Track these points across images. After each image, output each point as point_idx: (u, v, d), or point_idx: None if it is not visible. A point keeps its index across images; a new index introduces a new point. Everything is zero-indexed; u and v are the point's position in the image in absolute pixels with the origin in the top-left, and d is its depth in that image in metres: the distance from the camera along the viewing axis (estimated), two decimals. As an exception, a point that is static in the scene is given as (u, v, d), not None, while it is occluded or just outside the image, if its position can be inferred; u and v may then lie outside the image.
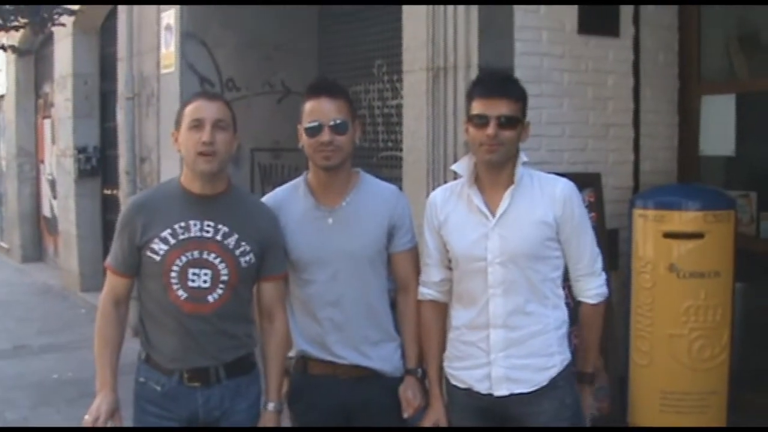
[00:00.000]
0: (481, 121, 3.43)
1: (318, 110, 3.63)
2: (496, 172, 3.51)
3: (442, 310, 3.73)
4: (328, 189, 3.73)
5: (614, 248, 5.79)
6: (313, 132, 3.62)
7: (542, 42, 5.67)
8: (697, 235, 5.37)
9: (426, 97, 5.65)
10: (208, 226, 3.57)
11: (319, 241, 3.70)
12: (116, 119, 10.71)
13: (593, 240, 3.59)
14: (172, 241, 3.54)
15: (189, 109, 3.57)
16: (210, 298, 3.55)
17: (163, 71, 9.03)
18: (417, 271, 3.77)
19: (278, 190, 3.90)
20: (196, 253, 3.54)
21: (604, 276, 3.64)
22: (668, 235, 5.38)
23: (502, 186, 3.50)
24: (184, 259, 3.53)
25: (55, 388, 8.03)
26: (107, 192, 12.29)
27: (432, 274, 3.70)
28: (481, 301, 3.52)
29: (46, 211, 15.45)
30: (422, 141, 5.67)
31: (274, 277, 3.73)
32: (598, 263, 3.61)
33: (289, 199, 3.79)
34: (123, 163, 10.15)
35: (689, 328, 5.35)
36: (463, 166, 3.60)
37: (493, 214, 3.48)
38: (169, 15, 8.86)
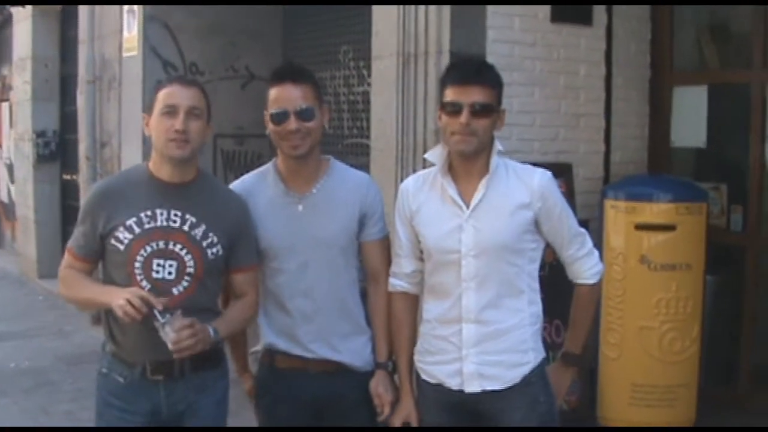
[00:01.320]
0: (453, 108, 3.30)
1: (283, 97, 3.52)
2: (470, 162, 3.39)
3: (413, 302, 3.62)
4: (298, 176, 3.64)
5: (585, 239, 5.73)
6: (279, 119, 3.52)
7: (514, 29, 5.60)
8: (668, 227, 5.34)
9: (396, 84, 5.56)
10: (176, 215, 3.47)
11: (289, 229, 3.61)
12: (76, 103, 10.52)
13: (575, 222, 3.50)
14: (137, 230, 3.44)
15: (163, 94, 3.46)
16: (175, 291, 3.44)
17: (126, 54, 8.86)
18: (388, 261, 3.68)
19: (246, 176, 3.80)
20: (161, 244, 3.44)
21: (596, 253, 3.55)
22: (640, 227, 5.34)
23: (476, 176, 3.39)
24: (149, 249, 3.43)
25: (11, 378, 7.84)
26: (66, 177, 12.08)
27: (403, 265, 3.59)
28: (453, 295, 3.41)
29: (3, 196, 15.16)
30: (391, 128, 5.59)
31: (244, 269, 3.63)
32: (588, 242, 3.52)
33: (257, 186, 3.70)
34: (83, 148, 9.98)
35: (660, 321, 5.32)
36: (436, 154, 3.49)
37: (467, 205, 3.37)
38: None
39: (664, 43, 6.25)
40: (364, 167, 5.74)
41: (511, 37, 5.56)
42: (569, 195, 5.63)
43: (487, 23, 5.45)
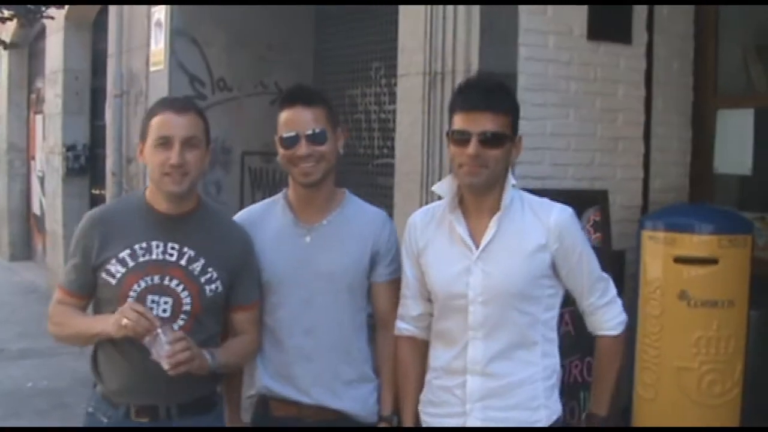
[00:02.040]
0: (461, 137, 3.03)
1: (293, 120, 3.32)
2: (480, 197, 3.11)
3: (421, 347, 3.31)
4: (309, 205, 3.42)
5: (620, 271, 5.40)
6: (289, 143, 3.31)
7: (548, 47, 5.29)
8: (710, 261, 4.99)
9: (422, 103, 5.27)
10: (172, 248, 3.23)
11: (293, 260, 3.38)
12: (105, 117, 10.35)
13: (598, 266, 3.19)
14: (131, 263, 3.20)
15: (155, 123, 3.21)
16: None
17: (152, 69, 8.71)
18: (398, 305, 3.41)
19: (254, 205, 3.61)
20: (156, 278, 3.20)
21: (620, 301, 3.24)
22: (679, 260, 4.99)
23: (488, 212, 3.11)
24: (143, 283, 3.19)
25: (27, 398, 7.74)
26: (95, 192, 11.97)
27: (410, 307, 3.31)
28: (459, 343, 3.12)
29: (35, 209, 15.17)
30: (416, 150, 5.31)
31: (245, 307, 3.38)
32: (611, 289, 3.22)
33: (264, 215, 3.49)
34: (109, 164, 9.83)
35: (699, 361, 4.96)
36: (444, 187, 3.20)
37: (477, 245, 3.09)
38: (160, 11, 8.54)
39: (708, 63, 5.93)
40: (393, 188, 5.60)
41: (545, 55, 5.25)
42: (604, 224, 5.34)
43: (520, 40, 5.16)
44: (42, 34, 13.52)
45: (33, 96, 15.41)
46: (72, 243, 3.32)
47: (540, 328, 3.10)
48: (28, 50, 15.39)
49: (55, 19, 11.22)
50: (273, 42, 8.63)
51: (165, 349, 2.95)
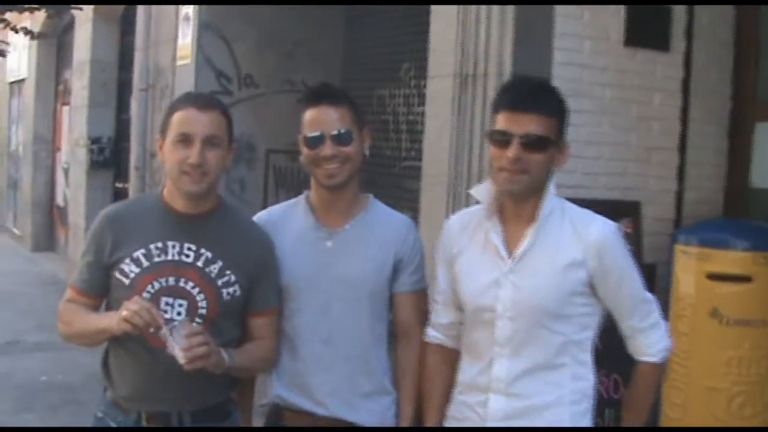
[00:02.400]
0: (502, 138, 2.83)
1: (319, 119, 3.19)
2: (519, 204, 2.92)
3: (451, 356, 3.13)
4: (332, 209, 3.28)
5: (651, 285, 5.21)
6: (313, 143, 3.17)
7: (584, 52, 5.14)
8: (744, 278, 4.84)
9: (451, 105, 5.13)
10: (189, 249, 3.10)
11: (313, 265, 3.24)
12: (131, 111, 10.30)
13: (641, 286, 2.98)
14: (146, 263, 3.07)
15: (177, 119, 3.08)
16: None
17: (179, 63, 8.64)
18: (422, 317, 3.25)
19: (274, 207, 3.47)
20: (171, 280, 3.07)
21: (664, 324, 3.03)
22: (712, 276, 4.84)
23: (526, 221, 2.92)
24: (157, 285, 3.05)
25: (40, 392, 7.66)
26: (119, 185, 11.89)
27: (440, 314, 3.14)
28: (485, 359, 2.94)
29: (59, 200, 15.14)
30: (444, 153, 5.17)
31: (264, 312, 3.23)
32: (654, 311, 3.00)
33: (285, 217, 3.35)
34: (133, 158, 9.75)
35: (730, 382, 4.80)
36: (483, 191, 3.01)
37: (511, 256, 2.91)
38: (187, 5, 8.43)
39: (747, 72, 5.74)
40: (419, 192, 5.48)
41: (579, 61, 5.10)
42: (636, 236, 5.19)
43: (555, 44, 5.01)
44: (71, 25, 13.49)
45: (60, 87, 15.39)
46: (86, 240, 3.20)
47: (571, 348, 2.90)
48: (57, 41, 15.36)
49: (84, 10, 11.15)
50: (301, 40, 8.53)
51: (182, 343, 2.82)
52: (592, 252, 2.86)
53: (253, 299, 3.18)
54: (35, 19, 12.57)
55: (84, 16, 11.96)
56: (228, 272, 3.10)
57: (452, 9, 5.16)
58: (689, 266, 4.89)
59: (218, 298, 3.08)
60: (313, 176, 3.24)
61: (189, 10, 8.38)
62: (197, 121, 3.04)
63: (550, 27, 5.00)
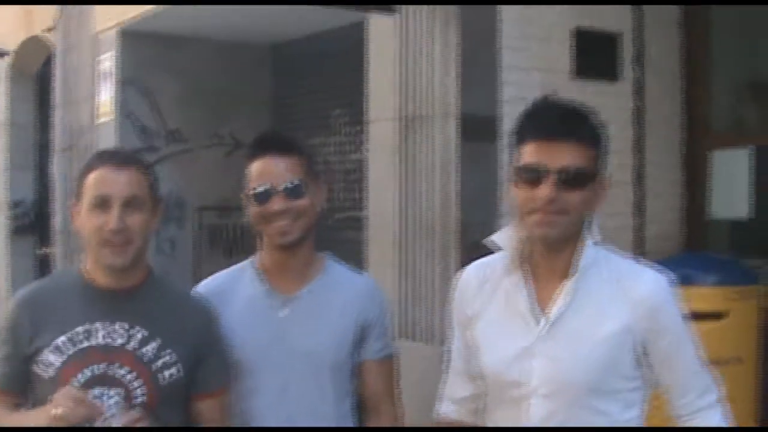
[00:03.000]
0: (532, 176, 2.32)
1: (267, 171, 2.84)
2: (554, 253, 2.40)
3: None
4: (285, 272, 2.92)
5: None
6: (262, 198, 2.81)
7: (533, 86, 4.92)
8: (715, 315, 4.59)
9: (394, 151, 4.86)
10: (120, 328, 2.70)
11: (267, 339, 2.87)
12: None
13: (698, 356, 2.47)
14: (70, 350, 2.66)
15: (91, 180, 2.69)
16: None
17: (101, 120, 8.25)
18: (391, 387, 2.93)
19: (218, 274, 3.08)
20: (101, 367, 2.66)
21: (720, 408, 2.48)
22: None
23: (560, 275, 2.41)
24: (87, 373, 2.65)
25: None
26: (43, 251, 11.42)
27: (455, 386, 2.65)
28: None
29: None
30: (390, 203, 4.88)
31: (210, 395, 2.84)
32: (713, 388, 2.47)
33: (231, 285, 2.98)
34: (58, 221, 9.29)
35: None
36: (504, 238, 2.51)
37: (544, 319, 2.42)
38: (107, 59, 8.10)
39: (700, 101, 5.62)
40: (360, 243, 5.24)
41: (530, 95, 4.78)
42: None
43: (502, 78, 4.77)
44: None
45: (-24, 151, 14.89)
46: (1, 330, 2.79)
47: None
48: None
49: (-2, 69, 10.79)
50: (228, 91, 8.24)
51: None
52: (641, 312, 2.36)
53: (198, 379, 2.79)
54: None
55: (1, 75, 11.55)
56: (168, 351, 2.72)
57: (390, 46, 4.93)
58: (657, 306, 4.65)
59: (156, 383, 2.70)
60: (264, 235, 2.90)
61: (108, 64, 8.04)
62: (114, 182, 2.67)
63: (497, 61, 4.79)
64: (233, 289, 2.96)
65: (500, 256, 2.53)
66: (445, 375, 2.67)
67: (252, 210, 2.85)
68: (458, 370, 2.61)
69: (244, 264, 3.00)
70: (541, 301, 2.42)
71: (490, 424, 2.53)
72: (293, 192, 2.82)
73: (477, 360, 2.51)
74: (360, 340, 2.89)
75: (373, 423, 2.94)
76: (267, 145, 2.92)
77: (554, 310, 2.38)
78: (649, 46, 5.39)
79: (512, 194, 2.39)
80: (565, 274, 2.39)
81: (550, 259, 2.40)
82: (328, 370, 2.86)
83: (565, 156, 2.30)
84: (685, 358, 2.42)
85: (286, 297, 2.90)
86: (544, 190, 2.29)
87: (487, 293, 2.51)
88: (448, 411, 2.67)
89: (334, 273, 2.96)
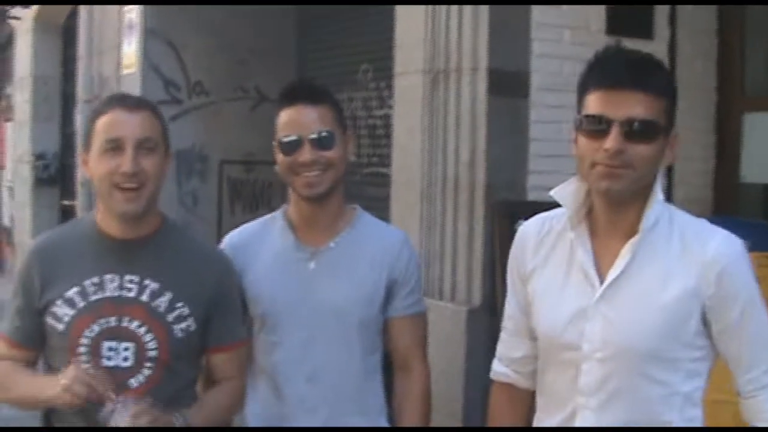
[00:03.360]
0: (597, 126, 2.21)
1: (296, 121, 2.80)
2: (618, 210, 2.29)
3: (523, 399, 2.55)
4: (314, 225, 2.88)
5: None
6: (290, 148, 2.79)
7: (563, 43, 4.78)
8: (748, 282, 4.47)
9: (422, 105, 4.75)
10: (131, 282, 2.65)
11: (294, 291, 2.84)
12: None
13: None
14: (81, 303, 2.62)
15: (102, 124, 2.62)
16: (133, 382, 2.62)
17: (124, 72, 8.21)
18: (421, 344, 2.88)
19: (247, 225, 3.05)
20: (112, 320, 2.62)
21: None
22: (713, 280, 4.47)
23: (624, 234, 2.30)
24: (96, 328, 2.61)
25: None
26: (66, 203, 11.45)
27: (510, 345, 2.55)
28: (565, 410, 2.35)
29: (5, 220, 14.60)
30: (416, 158, 4.79)
31: (226, 347, 2.80)
32: None
33: (260, 235, 2.96)
34: (80, 173, 9.28)
35: (736, 394, 4.45)
36: (567, 192, 2.39)
37: (602, 280, 2.30)
38: (132, 11, 8.06)
39: (733, 62, 5.43)
40: (385, 200, 5.10)
41: (560, 52, 4.73)
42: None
43: (532, 35, 4.65)
44: (10, 38, 13.07)
45: (2, 103, 14.90)
46: (14, 282, 2.75)
47: (677, 402, 2.30)
48: (-2, 55, 14.87)
49: (23, 21, 10.74)
50: (253, 45, 8.16)
51: (125, 422, 2.41)
52: (709, 276, 2.24)
53: (212, 333, 2.75)
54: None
55: (24, 28, 11.56)
56: (180, 305, 2.67)
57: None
58: (687, 271, 4.55)
59: (170, 336, 2.65)
60: (291, 187, 2.85)
61: (133, 15, 7.98)
62: (127, 124, 2.60)
63: (527, 17, 4.66)
64: (262, 240, 2.93)
65: (561, 211, 2.43)
66: (502, 335, 2.58)
67: (280, 160, 2.81)
68: (516, 329, 2.52)
69: (276, 214, 2.97)
70: (602, 261, 2.32)
71: (541, 385, 2.45)
72: (322, 142, 2.77)
73: (532, 319, 2.42)
74: (389, 295, 2.83)
75: (401, 380, 2.89)
76: (296, 94, 2.86)
77: (613, 271, 2.28)
78: (683, 6, 5.24)
79: (576, 146, 2.30)
80: (629, 233, 2.28)
81: (614, 216, 2.30)
82: (355, 325, 2.82)
83: (632, 106, 2.19)
84: (754, 329, 2.27)
85: (314, 249, 2.85)
86: (609, 142, 2.18)
87: (547, 249, 2.42)
88: (502, 371, 2.57)
89: (364, 226, 2.91)
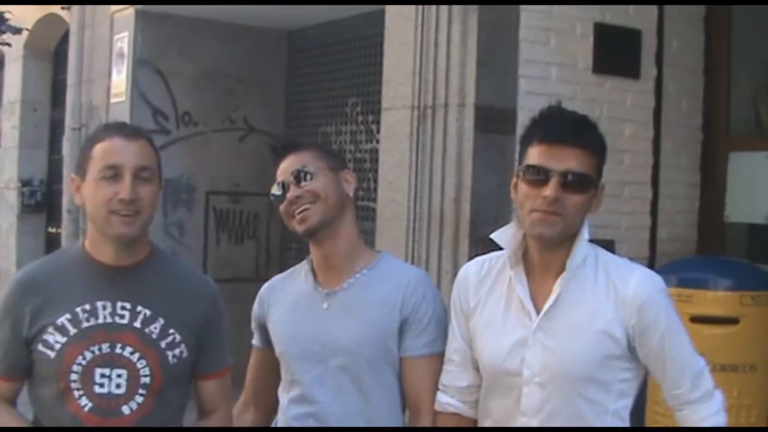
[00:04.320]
0: (537, 176, 2.47)
1: (282, 170, 2.91)
2: (549, 252, 2.55)
3: (469, 426, 2.73)
4: (328, 266, 2.89)
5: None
6: (280, 195, 2.87)
7: (551, 80, 4.83)
8: (730, 321, 4.53)
9: (409, 140, 4.76)
10: (123, 308, 2.63)
11: (307, 331, 2.85)
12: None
13: (692, 352, 2.56)
14: (72, 330, 2.59)
15: (100, 151, 2.60)
16: (125, 410, 2.60)
17: (113, 100, 8.16)
18: (432, 386, 2.80)
19: (280, 274, 3.12)
20: (105, 347, 2.59)
21: (719, 396, 2.58)
22: (696, 320, 4.50)
23: (555, 272, 2.54)
24: (88, 355, 2.58)
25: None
26: (51, 230, 11.38)
27: (456, 376, 2.72)
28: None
29: (-11, 247, 14.50)
30: (403, 194, 4.80)
31: (214, 375, 2.81)
32: (707, 380, 2.55)
33: (288, 281, 3.03)
34: (66, 200, 9.25)
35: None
36: (506, 236, 2.64)
37: (539, 312, 2.54)
38: (122, 39, 8.03)
39: (719, 101, 5.49)
40: (371, 233, 5.08)
41: (547, 89, 4.76)
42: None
43: (520, 72, 4.67)
44: (0, 64, 12.97)
45: (-10, 128, 14.84)
46: None
47: (609, 419, 2.52)
48: (-15, 81, 14.82)
49: (13, 47, 10.73)
50: (243, 75, 8.17)
51: None
52: (630, 309, 2.49)
53: (202, 360, 2.76)
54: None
55: (14, 54, 11.51)
56: (171, 331, 2.66)
57: (408, 34, 4.83)
58: (670, 309, 4.56)
59: (162, 363, 2.64)
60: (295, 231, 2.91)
61: (123, 45, 7.96)
62: (126, 151, 2.59)
63: (515, 53, 4.69)
64: (287, 284, 2.99)
65: (500, 254, 2.68)
66: (448, 366, 2.74)
67: (282, 211, 2.88)
68: (461, 361, 2.71)
69: (305, 261, 3.00)
70: (537, 297, 2.55)
71: (484, 411, 2.66)
72: (300, 177, 2.84)
73: (475, 349, 2.62)
74: (402, 334, 2.81)
75: (410, 421, 2.86)
76: (281, 149, 2.96)
77: (547, 304, 2.52)
78: (670, 43, 5.29)
79: (515, 192, 2.56)
80: (560, 271, 2.53)
81: (547, 256, 2.55)
82: (365, 365, 2.79)
83: (570, 160, 2.46)
84: (675, 353, 2.51)
85: (329, 290, 2.86)
86: (548, 190, 2.44)
87: (488, 286, 2.65)
88: (448, 401, 2.73)
89: (384, 266, 2.90)
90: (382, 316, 2.79)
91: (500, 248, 2.67)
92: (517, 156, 4.56)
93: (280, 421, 2.94)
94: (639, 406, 4.46)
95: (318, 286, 2.88)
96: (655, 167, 5.30)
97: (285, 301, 2.94)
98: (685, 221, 5.48)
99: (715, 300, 4.55)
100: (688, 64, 5.43)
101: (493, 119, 4.53)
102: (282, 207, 2.85)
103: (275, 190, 2.88)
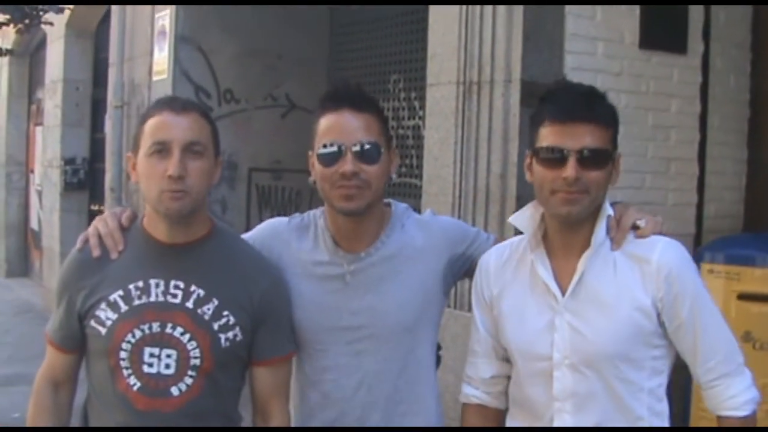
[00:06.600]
0: (553, 156, 2.41)
1: (338, 128, 2.58)
2: (572, 231, 2.50)
3: (494, 419, 2.71)
4: (352, 236, 2.70)
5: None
6: (330, 159, 2.57)
7: (597, 56, 4.76)
8: (775, 298, 4.47)
9: (454, 116, 4.72)
10: (176, 287, 2.60)
11: (331, 304, 2.70)
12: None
13: (723, 323, 2.51)
14: (124, 307, 2.57)
15: (150, 126, 2.56)
16: (174, 391, 2.57)
17: (155, 78, 8.23)
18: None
19: (278, 224, 2.87)
20: (155, 326, 2.57)
21: (748, 372, 2.51)
22: (744, 297, 4.47)
23: (579, 250, 2.49)
24: (138, 333, 2.56)
25: (13, 431, 7.12)
26: (94, 208, 11.46)
27: (480, 367, 2.69)
28: (544, 417, 2.51)
29: (33, 224, 14.66)
30: (448, 169, 4.76)
31: (272, 361, 2.72)
32: (738, 355, 2.50)
33: (293, 240, 2.79)
34: (108, 179, 9.33)
35: (765, 410, 4.39)
36: (524, 218, 2.61)
37: (564, 293, 2.49)
38: (164, 17, 8.07)
39: (766, 76, 5.38)
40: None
41: (593, 65, 4.71)
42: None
43: (566, 47, 4.62)
44: (43, 43, 13.11)
45: (33, 107, 14.95)
46: (56, 288, 2.72)
47: (645, 398, 2.46)
48: (29, 59, 14.93)
49: (56, 26, 10.78)
50: (284, 52, 8.18)
51: None
52: (657, 281, 2.43)
53: (256, 345, 2.68)
54: (5, 36, 12.16)
55: (56, 33, 11.56)
56: (226, 313, 2.60)
57: (454, 11, 4.77)
58: (717, 286, 4.50)
59: (215, 345, 2.59)
60: (327, 201, 2.67)
61: (165, 22, 8.00)
62: (174, 126, 2.54)
63: (561, 28, 4.62)
64: (293, 243, 2.79)
65: (520, 238, 2.66)
66: (471, 359, 2.72)
67: (317, 171, 2.63)
68: (484, 351, 2.68)
69: (310, 217, 2.83)
70: (561, 277, 2.51)
71: (518, 400, 2.60)
72: (366, 154, 2.58)
73: (503, 337, 2.58)
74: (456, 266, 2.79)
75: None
76: (340, 98, 2.64)
77: (572, 284, 2.47)
78: (717, 18, 5.21)
79: (531, 175, 2.51)
80: (581, 250, 2.48)
81: (569, 236, 2.51)
82: (400, 330, 2.70)
83: (584, 137, 2.41)
84: (705, 321, 2.45)
85: (353, 255, 2.70)
86: (567, 171, 2.39)
87: (510, 272, 2.61)
88: (473, 393, 2.72)
89: (402, 221, 2.77)
90: (419, 275, 2.71)
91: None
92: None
93: (311, 395, 2.78)
94: (684, 408, 4.49)
95: (338, 251, 2.70)
96: (702, 143, 5.23)
97: (291, 263, 2.74)
98: (732, 198, 5.42)
99: (764, 277, 4.48)
100: (735, 39, 5.35)
101: (539, 95, 4.48)
102: (328, 170, 2.58)
103: (327, 146, 2.58)
